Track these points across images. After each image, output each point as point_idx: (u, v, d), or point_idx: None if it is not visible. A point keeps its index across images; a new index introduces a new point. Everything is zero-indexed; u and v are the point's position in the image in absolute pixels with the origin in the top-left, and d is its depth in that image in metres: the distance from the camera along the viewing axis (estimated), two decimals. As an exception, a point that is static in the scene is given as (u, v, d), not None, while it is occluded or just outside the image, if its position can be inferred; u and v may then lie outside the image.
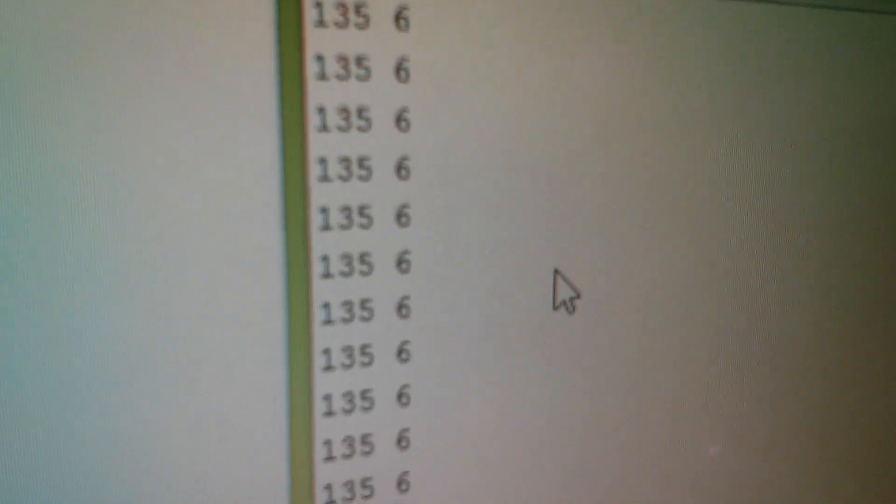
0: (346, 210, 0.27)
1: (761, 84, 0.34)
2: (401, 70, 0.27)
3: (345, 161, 0.27)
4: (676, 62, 0.32)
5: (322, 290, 0.27)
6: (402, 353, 0.29)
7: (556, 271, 0.32)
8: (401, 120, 0.27)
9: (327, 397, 0.28)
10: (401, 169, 0.28)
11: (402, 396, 0.29)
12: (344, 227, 0.27)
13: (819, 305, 0.37)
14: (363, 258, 0.28)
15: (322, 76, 0.26)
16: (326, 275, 0.27)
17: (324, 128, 0.26)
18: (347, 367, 0.28)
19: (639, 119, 0.32)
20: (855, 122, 0.36)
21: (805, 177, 0.35)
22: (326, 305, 0.27)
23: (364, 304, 0.28)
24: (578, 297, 0.32)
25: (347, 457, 0.28)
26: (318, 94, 0.26)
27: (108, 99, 0.24)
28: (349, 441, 0.28)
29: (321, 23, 0.26)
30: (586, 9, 0.30)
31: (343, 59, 0.26)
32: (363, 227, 0.27)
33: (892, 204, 0.38)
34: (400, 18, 0.27)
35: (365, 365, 0.28)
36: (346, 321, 0.28)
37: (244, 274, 0.26)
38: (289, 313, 0.27)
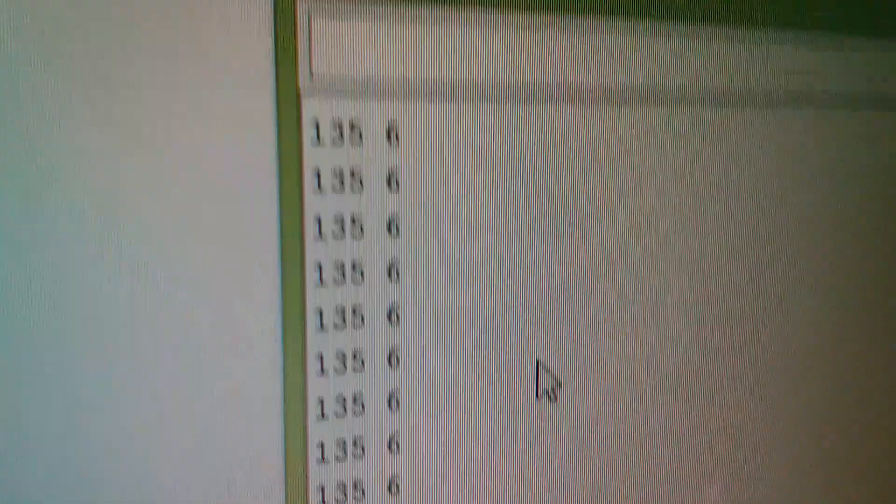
0: (342, 311, 0.29)
1: (730, 184, 0.36)
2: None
3: (340, 265, 0.29)
4: (648, 160, 0.34)
5: (315, 342, 0.29)
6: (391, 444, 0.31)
7: (538, 362, 0.33)
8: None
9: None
10: (391, 271, 0.30)
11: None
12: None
13: (809, 393, 0.39)
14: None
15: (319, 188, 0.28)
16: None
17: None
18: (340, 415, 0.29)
19: (615, 214, 0.34)
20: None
21: (794, 256, 0.38)
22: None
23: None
24: (560, 385, 0.34)
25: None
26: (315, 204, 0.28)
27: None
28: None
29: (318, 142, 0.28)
30: (555, 111, 0.32)
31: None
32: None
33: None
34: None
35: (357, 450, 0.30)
36: (338, 415, 0.29)
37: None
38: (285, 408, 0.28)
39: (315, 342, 0.29)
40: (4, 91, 0.24)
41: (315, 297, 0.29)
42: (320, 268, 0.29)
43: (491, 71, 0.31)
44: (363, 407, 0.30)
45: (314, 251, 0.28)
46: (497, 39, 0.30)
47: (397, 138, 0.29)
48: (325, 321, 0.29)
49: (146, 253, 0.26)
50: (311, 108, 0.28)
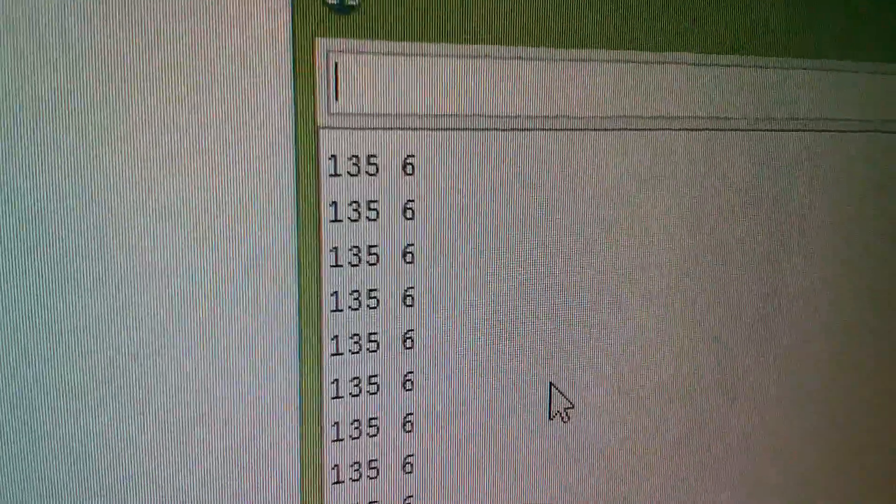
0: (357, 338, 0.30)
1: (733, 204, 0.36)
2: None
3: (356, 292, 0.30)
4: (658, 185, 0.35)
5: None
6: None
7: (552, 384, 0.34)
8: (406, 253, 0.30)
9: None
10: (406, 298, 0.31)
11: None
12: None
13: (825, 407, 0.39)
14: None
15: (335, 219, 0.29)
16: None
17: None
18: (355, 438, 0.30)
19: (628, 240, 0.34)
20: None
21: (807, 267, 0.38)
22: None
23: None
24: (573, 406, 0.34)
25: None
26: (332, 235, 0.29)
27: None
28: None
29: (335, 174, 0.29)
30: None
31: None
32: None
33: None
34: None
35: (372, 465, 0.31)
36: (353, 437, 0.30)
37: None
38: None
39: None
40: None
41: (331, 322, 0.30)
42: (336, 293, 0.30)
43: (502, 104, 0.31)
44: (378, 429, 0.31)
45: (331, 279, 0.29)
46: (508, 73, 0.31)
47: (413, 169, 0.30)
48: (340, 347, 0.30)
49: (163, 279, 0.27)
50: (329, 141, 0.29)
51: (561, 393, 0.34)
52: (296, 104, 0.28)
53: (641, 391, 0.35)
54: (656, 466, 0.36)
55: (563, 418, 0.34)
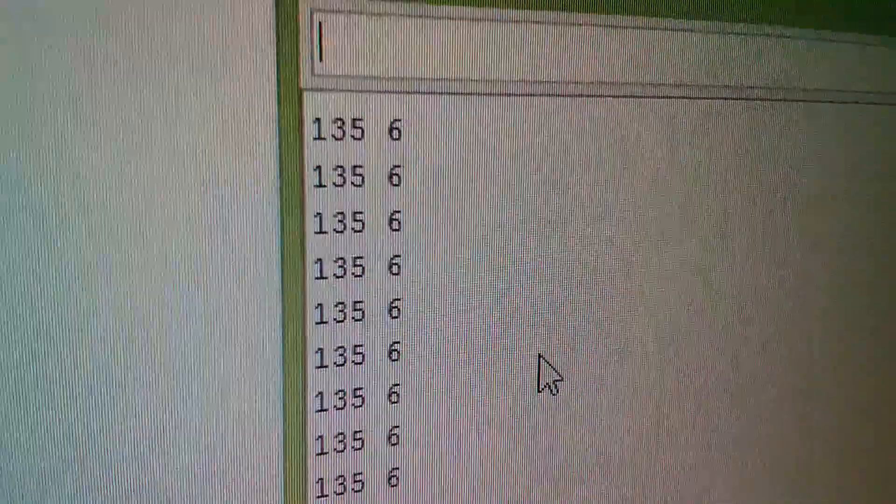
0: (341, 306, 0.29)
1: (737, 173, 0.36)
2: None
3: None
4: (654, 155, 0.34)
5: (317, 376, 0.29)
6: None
7: (540, 356, 0.33)
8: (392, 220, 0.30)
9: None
10: (392, 266, 0.30)
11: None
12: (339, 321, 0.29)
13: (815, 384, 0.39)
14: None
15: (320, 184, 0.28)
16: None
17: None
18: (339, 409, 0.30)
19: (620, 209, 0.34)
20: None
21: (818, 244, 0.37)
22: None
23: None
24: (562, 379, 0.34)
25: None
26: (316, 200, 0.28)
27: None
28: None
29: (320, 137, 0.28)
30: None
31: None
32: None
33: None
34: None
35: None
36: (338, 407, 0.30)
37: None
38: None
39: (315, 336, 0.29)
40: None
41: (314, 292, 0.29)
42: (320, 260, 0.29)
43: (492, 67, 0.30)
44: (363, 400, 0.30)
45: (314, 247, 0.29)
46: (498, 36, 0.30)
47: (399, 134, 0.29)
48: (325, 315, 0.29)
49: (142, 251, 0.26)
50: (313, 105, 0.28)
51: (550, 365, 0.33)
52: (279, 65, 0.27)
53: (633, 362, 0.35)
54: (646, 439, 0.36)
55: (552, 391, 0.34)
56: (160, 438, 0.27)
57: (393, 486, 0.31)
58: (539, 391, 0.33)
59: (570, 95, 0.32)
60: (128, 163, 0.26)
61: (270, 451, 0.29)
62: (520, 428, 0.33)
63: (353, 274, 0.29)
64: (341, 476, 0.30)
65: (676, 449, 0.37)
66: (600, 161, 0.33)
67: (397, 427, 0.31)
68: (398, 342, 0.30)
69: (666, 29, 0.33)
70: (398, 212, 0.30)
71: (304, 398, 0.29)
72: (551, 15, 0.31)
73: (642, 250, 0.34)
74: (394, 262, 0.30)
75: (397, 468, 0.31)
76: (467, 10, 0.30)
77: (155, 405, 0.27)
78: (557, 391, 0.34)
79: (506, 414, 0.33)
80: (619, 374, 0.35)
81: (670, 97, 0.34)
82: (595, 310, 0.34)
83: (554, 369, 0.33)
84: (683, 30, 0.33)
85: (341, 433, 0.30)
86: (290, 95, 0.28)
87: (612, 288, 0.34)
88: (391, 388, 0.31)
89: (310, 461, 0.29)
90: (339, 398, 0.30)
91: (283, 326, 0.28)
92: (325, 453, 0.30)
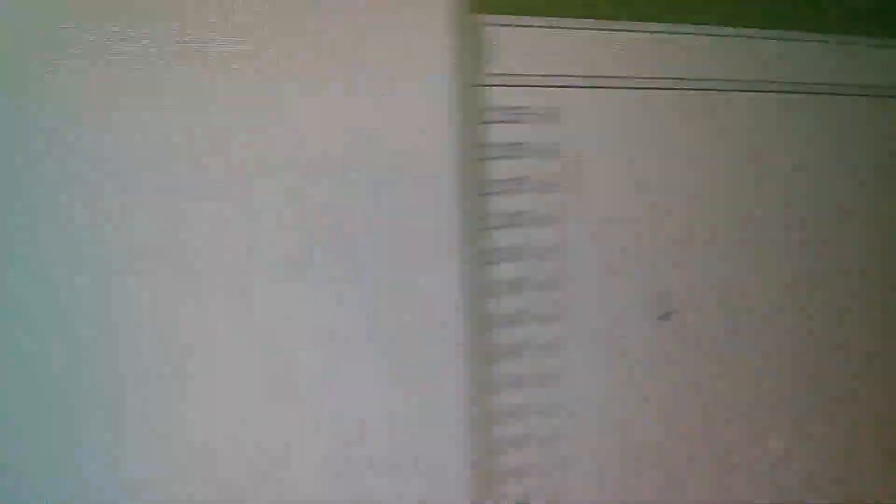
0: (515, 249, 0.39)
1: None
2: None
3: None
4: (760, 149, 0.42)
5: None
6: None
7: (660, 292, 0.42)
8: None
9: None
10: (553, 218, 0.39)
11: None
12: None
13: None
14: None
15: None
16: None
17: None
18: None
19: (740, 173, 0.42)
20: None
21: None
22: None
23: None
24: (677, 311, 0.43)
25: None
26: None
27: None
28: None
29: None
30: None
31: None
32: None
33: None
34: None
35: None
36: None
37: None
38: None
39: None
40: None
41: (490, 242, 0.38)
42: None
43: (628, 67, 0.40)
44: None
45: (494, 201, 0.38)
46: (631, 43, 0.39)
47: (558, 118, 0.39)
48: (498, 256, 0.39)
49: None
50: (490, 96, 0.37)
51: (669, 296, 0.42)
52: (461, 66, 0.37)
53: (750, 297, 0.43)
54: (761, 368, 0.44)
55: (670, 320, 0.42)
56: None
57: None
58: (660, 319, 0.42)
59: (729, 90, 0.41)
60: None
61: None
62: (643, 353, 0.42)
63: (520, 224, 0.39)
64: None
65: (789, 369, 0.45)
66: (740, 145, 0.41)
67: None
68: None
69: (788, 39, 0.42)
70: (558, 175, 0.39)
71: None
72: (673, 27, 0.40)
73: (757, 197, 0.43)
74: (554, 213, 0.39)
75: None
76: (604, 23, 0.39)
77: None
78: (673, 319, 0.42)
79: (629, 340, 0.41)
80: (737, 301, 0.43)
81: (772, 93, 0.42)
82: (714, 246, 0.42)
83: (673, 300, 0.42)
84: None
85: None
86: (468, 89, 0.37)
87: (728, 226, 0.43)
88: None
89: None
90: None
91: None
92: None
